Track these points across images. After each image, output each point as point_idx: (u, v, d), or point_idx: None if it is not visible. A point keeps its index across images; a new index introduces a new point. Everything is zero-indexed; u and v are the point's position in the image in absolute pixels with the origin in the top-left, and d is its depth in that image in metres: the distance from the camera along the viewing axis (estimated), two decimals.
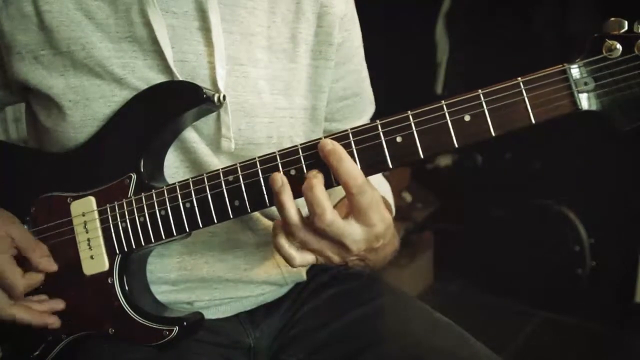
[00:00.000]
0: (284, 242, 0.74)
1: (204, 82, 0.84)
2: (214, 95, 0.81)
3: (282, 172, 0.73)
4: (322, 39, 0.92)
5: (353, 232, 0.71)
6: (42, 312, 0.84)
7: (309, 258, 0.75)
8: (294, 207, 0.71)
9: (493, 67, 2.65)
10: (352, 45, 0.97)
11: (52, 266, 0.85)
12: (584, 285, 2.41)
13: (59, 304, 0.86)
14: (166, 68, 0.83)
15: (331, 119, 1.00)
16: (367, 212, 0.70)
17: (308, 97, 0.93)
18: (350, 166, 0.69)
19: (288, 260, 0.75)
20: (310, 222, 0.70)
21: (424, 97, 2.88)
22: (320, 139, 0.72)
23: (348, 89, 0.99)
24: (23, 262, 0.84)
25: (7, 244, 0.83)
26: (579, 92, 0.66)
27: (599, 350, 2.24)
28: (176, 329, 0.81)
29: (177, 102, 0.81)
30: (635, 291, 2.39)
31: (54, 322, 0.85)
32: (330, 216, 0.69)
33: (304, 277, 1.01)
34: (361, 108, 1.04)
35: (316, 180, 0.69)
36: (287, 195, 0.71)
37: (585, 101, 0.66)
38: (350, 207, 0.71)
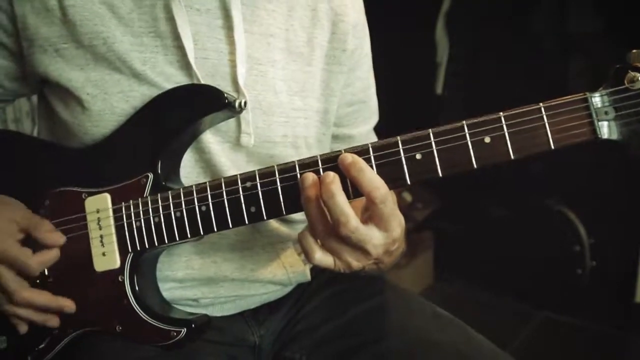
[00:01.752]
0: (306, 233, 0.75)
1: (223, 80, 0.85)
2: (235, 100, 0.82)
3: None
4: (336, 45, 0.95)
5: (374, 237, 0.72)
6: (57, 296, 0.85)
7: (328, 260, 0.75)
8: (321, 210, 0.72)
9: (493, 67, 2.66)
10: (362, 53, 1.00)
11: (60, 238, 0.85)
12: (584, 285, 2.41)
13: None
14: (186, 64, 0.84)
15: (339, 123, 1.01)
16: (389, 220, 0.72)
17: (321, 99, 0.95)
18: (372, 176, 0.70)
19: (308, 253, 0.75)
20: (334, 229, 0.71)
21: (424, 97, 2.89)
22: (340, 152, 0.73)
23: (356, 95, 1.01)
24: (31, 242, 0.84)
25: (12, 229, 0.83)
26: (599, 120, 0.67)
27: (599, 350, 2.24)
28: (184, 330, 0.82)
29: (198, 106, 0.82)
30: (635, 291, 2.39)
31: (70, 305, 0.85)
32: (355, 223, 0.70)
33: (309, 277, 1.02)
34: (367, 115, 1.06)
35: (335, 186, 0.70)
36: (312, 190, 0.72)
37: (605, 129, 0.67)
38: (372, 215, 0.72)
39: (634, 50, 0.66)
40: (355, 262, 0.75)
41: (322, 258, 0.75)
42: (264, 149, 0.89)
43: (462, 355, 0.85)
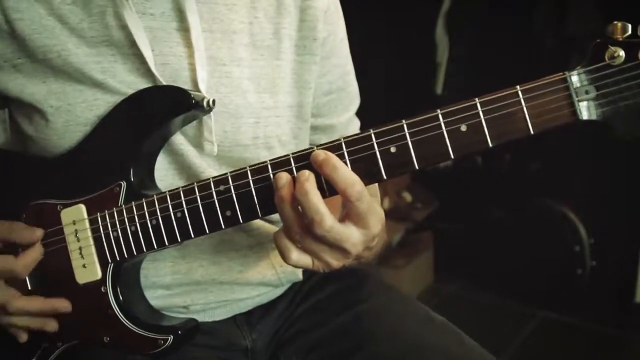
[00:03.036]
0: (281, 232, 0.73)
1: (185, 85, 0.82)
2: (202, 99, 0.79)
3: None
4: (306, 34, 0.90)
5: (352, 236, 0.70)
6: (50, 298, 0.84)
7: (305, 260, 0.73)
8: (295, 210, 0.70)
9: (493, 67, 2.66)
10: (336, 39, 0.95)
11: (37, 232, 0.83)
12: (584, 285, 2.41)
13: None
14: (147, 72, 0.81)
15: (317, 114, 0.97)
16: (367, 217, 0.69)
17: (293, 93, 0.91)
18: (346, 173, 0.68)
19: (284, 253, 0.73)
20: (309, 228, 0.69)
21: (424, 97, 2.89)
22: (312, 148, 0.71)
23: (333, 83, 0.96)
24: (10, 249, 0.83)
25: None
26: (579, 101, 0.63)
27: (599, 350, 2.24)
28: (171, 338, 0.81)
29: (165, 108, 0.80)
30: (635, 291, 2.39)
31: (66, 305, 0.83)
32: (330, 222, 0.68)
33: (300, 277, 1.00)
34: (347, 102, 1.02)
35: (309, 184, 0.68)
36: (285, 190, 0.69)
37: (585, 110, 0.64)
38: (348, 213, 0.70)
39: (616, 22, 0.63)
40: (335, 261, 0.73)
41: (299, 258, 0.72)
42: (235, 153, 0.87)
43: None
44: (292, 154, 0.72)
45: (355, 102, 1.05)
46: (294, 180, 0.70)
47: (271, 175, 0.72)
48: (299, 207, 0.69)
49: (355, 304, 0.96)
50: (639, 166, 2.27)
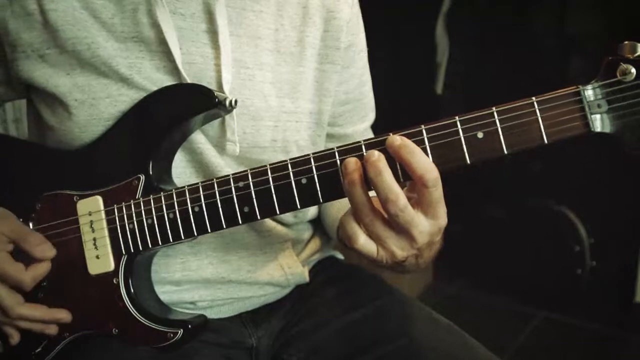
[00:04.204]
0: (349, 217, 0.71)
1: (209, 85, 0.84)
2: (225, 99, 0.81)
3: (295, 187, 0.72)
4: (328, 43, 0.92)
5: (421, 222, 0.69)
6: (52, 308, 0.84)
7: (371, 246, 0.72)
8: (366, 193, 0.69)
9: (493, 67, 2.66)
10: (356, 50, 0.97)
11: (51, 251, 0.84)
12: (584, 285, 2.41)
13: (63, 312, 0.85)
14: (174, 70, 0.83)
15: (333, 123, 0.99)
16: (437, 206, 0.69)
17: (314, 100, 0.93)
18: (425, 159, 0.67)
19: (351, 237, 0.71)
20: (383, 207, 0.68)
21: (424, 97, 2.89)
22: (333, 149, 0.71)
23: (350, 93, 0.99)
24: (22, 255, 0.83)
25: (2, 241, 0.82)
26: (592, 113, 0.66)
27: (599, 350, 2.24)
28: (180, 331, 0.81)
29: (188, 105, 0.81)
30: (635, 291, 2.40)
31: (66, 317, 0.84)
32: (404, 200, 0.67)
33: (307, 279, 1.01)
34: (362, 113, 1.04)
35: (382, 164, 0.67)
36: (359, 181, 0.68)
37: (598, 123, 0.66)
38: (419, 201, 0.69)
39: (626, 42, 0.65)
40: (400, 250, 0.71)
41: (366, 243, 0.71)
42: (253, 154, 0.88)
43: None
44: (312, 153, 0.73)
45: (371, 114, 1.07)
46: (365, 160, 0.69)
47: (291, 174, 0.73)
48: (371, 189, 0.69)
49: (360, 305, 0.96)
50: (639, 166, 2.27)
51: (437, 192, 0.68)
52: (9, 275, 0.81)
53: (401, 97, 2.72)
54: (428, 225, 0.69)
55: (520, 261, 2.50)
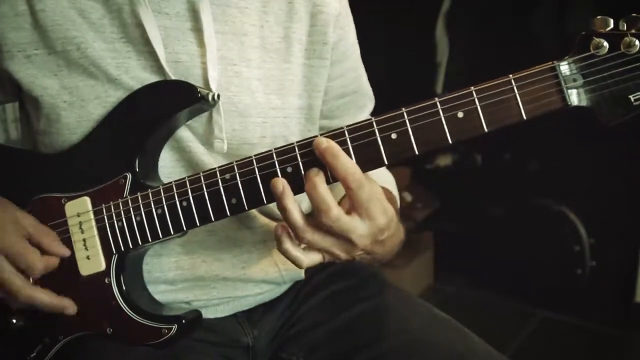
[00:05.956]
0: (289, 245, 0.74)
1: (196, 82, 0.84)
2: (208, 94, 0.81)
3: (281, 176, 0.74)
4: (316, 38, 0.92)
5: (358, 226, 0.72)
6: (59, 296, 0.84)
7: (316, 258, 0.76)
8: (297, 210, 0.72)
9: (493, 66, 2.66)
10: (348, 43, 0.97)
11: (66, 251, 0.84)
12: (584, 285, 2.41)
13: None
14: (160, 69, 0.83)
15: (331, 116, 1.00)
16: (368, 206, 0.71)
17: (303, 96, 0.93)
18: (346, 162, 0.70)
19: (296, 263, 0.75)
20: (316, 220, 0.71)
21: (424, 97, 2.89)
22: (316, 136, 0.73)
23: (347, 86, 0.99)
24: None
25: (19, 227, 0.82)
26: (568, 88, 0.68)
27: (599, 350, 2.24)
28: (175, 327, 0.81)
29: (171, 101, 0.82)
30: (635, 291, 2.39)
31: (71, 306, 0.84)
32: (336, 212, 0.70)
33: (302, 275, 1.01)
34: (361, 104, 1.05)
35: (318, 178, 0.71)
36: (289, 199, 0.72)
37: (574, 97, 0.68)
38: (351, 203, 0.72)
39: (598, 17, 0.68)
40: (343, 253, 0.75)
41: (311, 259, 0.75)
42: (243, 151, 0.88)
43: (458, 357, 0.85)
44: (297, 142, 0.74)
45: (369, 104, 1.07)
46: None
47: (276, 163, 0.75)
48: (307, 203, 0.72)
49: (359, 302, 0.96)
50: (639, 166, 2.27)
51: (364, 192, 0.70)
52: (21, 255, 0.81)
53: (401, 97, 2.72)
54: (366, 227, 0.72)
55: (520, 261, 2.50)
